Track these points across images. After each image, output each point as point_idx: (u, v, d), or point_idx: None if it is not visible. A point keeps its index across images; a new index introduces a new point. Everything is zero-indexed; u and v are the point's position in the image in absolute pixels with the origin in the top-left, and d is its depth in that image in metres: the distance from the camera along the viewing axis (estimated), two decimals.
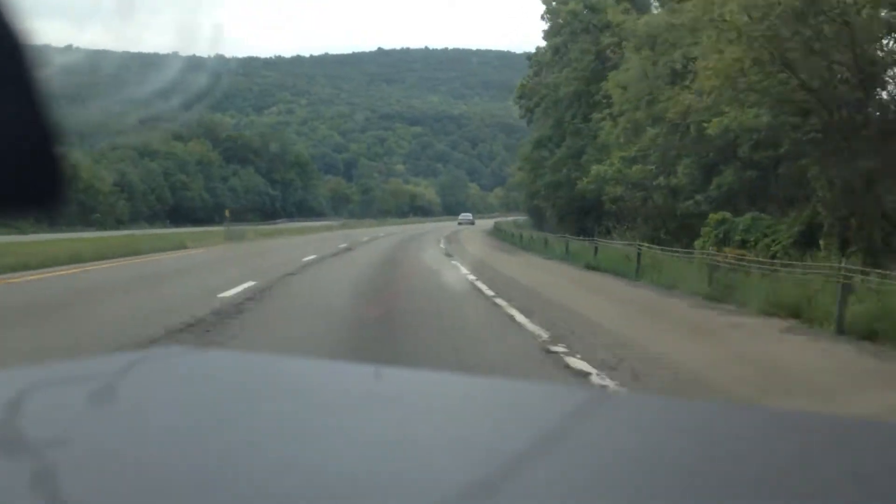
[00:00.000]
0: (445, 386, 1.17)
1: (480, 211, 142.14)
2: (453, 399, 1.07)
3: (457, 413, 1.00)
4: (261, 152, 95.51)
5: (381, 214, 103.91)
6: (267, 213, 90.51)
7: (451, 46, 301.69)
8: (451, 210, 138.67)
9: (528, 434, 0.84)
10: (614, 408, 0.99)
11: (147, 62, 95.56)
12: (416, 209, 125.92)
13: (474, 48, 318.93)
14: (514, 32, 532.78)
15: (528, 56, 51.37)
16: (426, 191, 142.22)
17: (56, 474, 0.70)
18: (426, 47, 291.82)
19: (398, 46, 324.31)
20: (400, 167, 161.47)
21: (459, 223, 79.44)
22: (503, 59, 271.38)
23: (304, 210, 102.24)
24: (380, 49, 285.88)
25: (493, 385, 1.21)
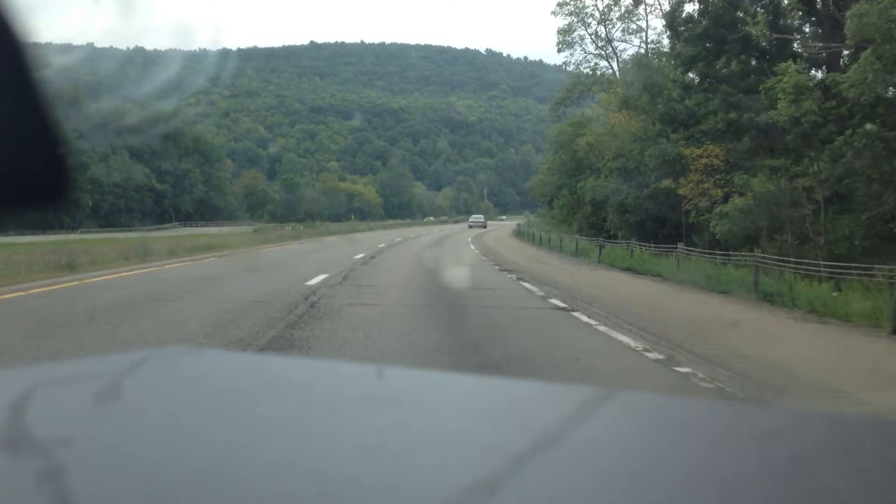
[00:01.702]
0: (445, 385, 1.17)
1: (427, 214, 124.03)
2: (453, 398, 1.08)
3: (457, 412, 0.99)
4: (142, 130, 66.52)
5: (310, 217, 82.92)
6: (151, 214, 69.29)
7: (388, 41, 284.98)
8: (394, 213, 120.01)
9: (528, 433, 0.84)
10: (615, 407, 0.98)
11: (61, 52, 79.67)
12: (354, 211, 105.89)
13: (413, 43, 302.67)
14: (454, 27, 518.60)
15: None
16: (365, 189, 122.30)
17: (59, 473, 0.70)
18: (362, 41, 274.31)
19: (332, 40, 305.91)
20: (334, 164, 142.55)
21: (471, 226, 76.52)
22: (444, 54, 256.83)
23: (206, 211, 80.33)
24: (312, 43, 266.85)
25: (493, 384, 1.21)
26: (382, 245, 34.87)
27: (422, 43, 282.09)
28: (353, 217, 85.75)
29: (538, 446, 0.79)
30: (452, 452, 0.81)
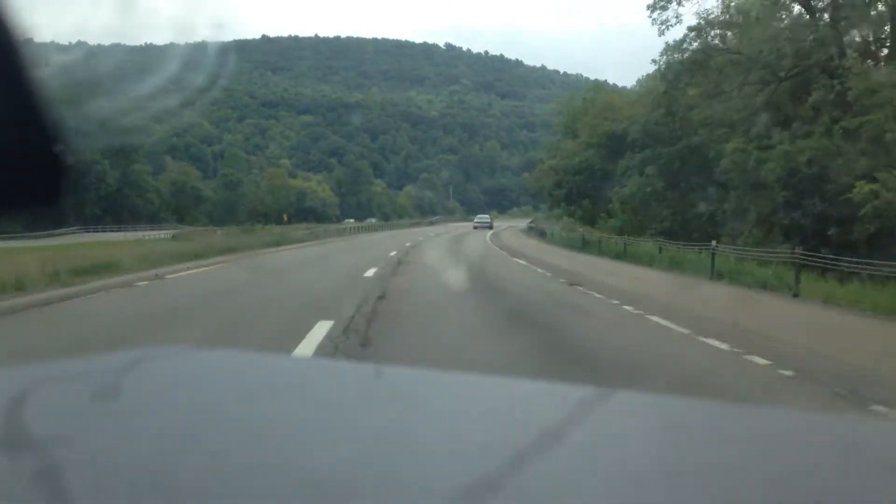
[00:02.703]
0: (445, 384, 1.17)
1: (389, 217, 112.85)
2: (453, 397, 1.07)
3: (457, 411, 0.99)
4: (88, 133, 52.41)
5: (252, 219, 69.80)
6: (44, 216, 56.16)
7: (344, 35, 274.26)
8: (352, 213, 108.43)
9: (528, 432, 0.84)
10: (615, 406, 0.98)
11: None
12: (307, 211, 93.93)
13: (370, 37, 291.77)
14: (412, 21, 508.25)
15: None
16: (319, 187, 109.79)
17: (57, 472, 0.70)
18: (316, 35, 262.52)
19: (285, 34, 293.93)
20: (285, 161, 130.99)
21: (476, 227, 71.56)
22: (402, 49, 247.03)
23: (120, 212, 67.06)
24: (264, 37, 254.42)
25: (494, 383, 1.21)
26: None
27: (379, 37, 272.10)
28: (285, 218, 70.37)
29: (538, 445, 0.78)
30: (452, 452, 0.81)
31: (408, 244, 35.69)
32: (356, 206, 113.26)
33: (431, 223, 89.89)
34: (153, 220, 69.26)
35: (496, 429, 0.89)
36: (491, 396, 1.08)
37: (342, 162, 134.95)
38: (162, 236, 43.19)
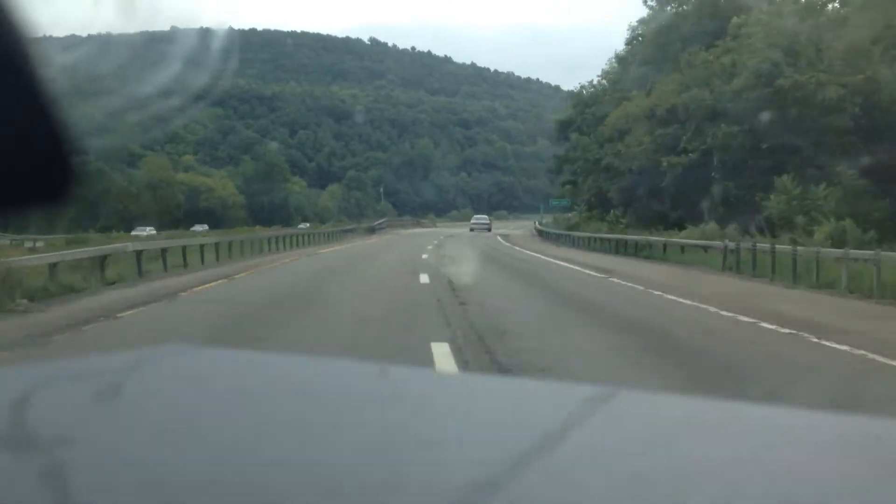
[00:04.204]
0: (447, 384, 1.17)
1: (310, 219, 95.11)
2: (455, 397, 1.07)
3: (459, 411, 0.99)
4: None
5: (109, 227, 51.51)
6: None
7: (260, 27, 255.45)
8: (263, 217, 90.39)
9: (531, 432, 0.84)
10: (615, 406, 0.98)
11: None
12: (205, 212, 75.81)
13: (287, 30, 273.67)
14: (335, 15, 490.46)
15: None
16: (219, 184, 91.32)
17: (60, 472, 0.70)
18: (230, 28, 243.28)
19: (197, 26, 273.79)
20: (189, 158, 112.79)
21: (472, 229, 66.74)
22: (323, 43, 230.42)
23: None
24: (174, 28, 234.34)
25: (495, 383, 1.21)
26: None
27: (298, 30, 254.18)
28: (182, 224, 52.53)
29: (539, 445, 0.78)
30: (454, 451, 0.81)
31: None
32: (269, 208, 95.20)
33: (373, 230, 68.80)
34: None
35: (499, 428, 0.89)
36: (494, 396, 1.07)
37: (256, 158, 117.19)
38: None
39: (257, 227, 61.28)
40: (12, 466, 0.72)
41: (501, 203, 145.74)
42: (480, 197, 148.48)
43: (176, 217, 69.49)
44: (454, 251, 34.37)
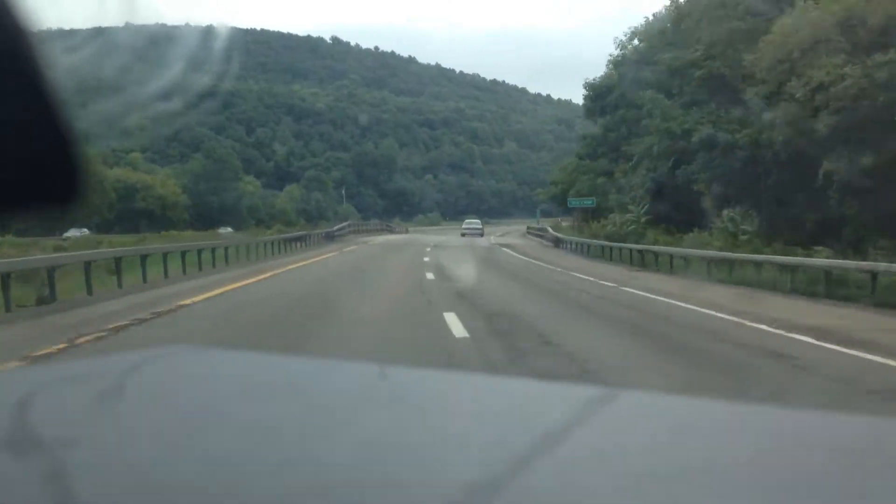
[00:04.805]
0: (447, 385, 1.17)
1: (266, 222, 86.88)
2: (455, 398, 1.07)
3: (459, 412, 0.99)
4: None
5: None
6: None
7: (216, 23, 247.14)
8: (210, 219, 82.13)
9: (532, 433, 0.84)
10: (616, 407, 0.98)
11: None
12: (142, 214, 67.53)
13: (246, 27, 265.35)
14: (295, 14, 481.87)
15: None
16: (159, 182, 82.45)
17: (62, 474, 0.70)
18: (187, 24, 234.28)
19: (149, 22, 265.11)
20: (136, 155, 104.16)
21: (463, 234, 62.97)
22: (283, 41, 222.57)
23: None
24: (128, 24, 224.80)
25: (495, 383, 1.22)
26: None
27: (257, 28, 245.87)
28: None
29: (542, 446, 0.78)
30: (454, 452, 0.81)
31: None
32: (218, 209, 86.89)
33: (331, 237, 51.89)
34: None
35: (500, 429, 0.88)
36: (494, 397, 1.07)
37: (207, 156, 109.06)
38: None
39: (188, 232, 51.01)
40: (15, 468, 0.72)
41: (468, 207, 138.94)
42: (447, 201, 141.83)
43: (107, 218, 61.57)
44: (494, 288, 18.72)
